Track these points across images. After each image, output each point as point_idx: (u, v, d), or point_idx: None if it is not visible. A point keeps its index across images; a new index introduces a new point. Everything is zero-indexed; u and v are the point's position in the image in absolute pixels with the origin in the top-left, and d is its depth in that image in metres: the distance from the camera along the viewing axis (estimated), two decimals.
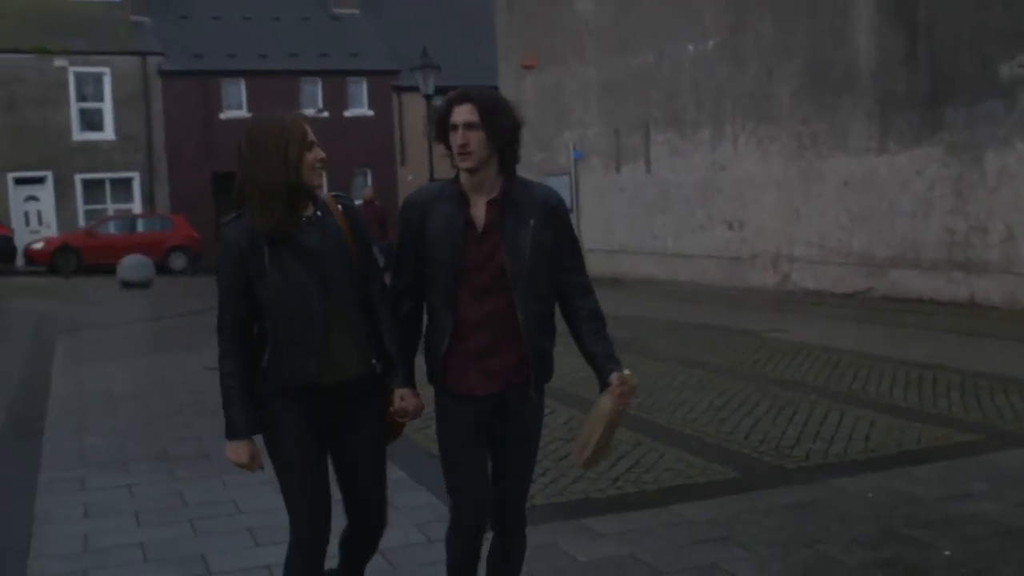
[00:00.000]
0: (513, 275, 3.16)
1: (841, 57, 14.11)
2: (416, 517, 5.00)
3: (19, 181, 31.15)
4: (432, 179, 20.92)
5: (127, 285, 21.19)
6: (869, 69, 13.72)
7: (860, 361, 8.98)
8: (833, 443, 6.24)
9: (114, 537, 5.02)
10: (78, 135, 31.86)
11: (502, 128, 3.16)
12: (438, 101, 3.25)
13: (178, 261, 28.18)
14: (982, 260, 12.41)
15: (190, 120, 32.56)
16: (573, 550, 4.46)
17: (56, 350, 12.10)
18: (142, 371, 10.44)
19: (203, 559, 4.66)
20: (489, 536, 3.37)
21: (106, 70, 32.00)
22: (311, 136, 3.14)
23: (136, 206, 32.53)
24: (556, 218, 3.26)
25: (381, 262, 4.31)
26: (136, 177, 32.67)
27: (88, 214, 31.64)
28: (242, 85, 33.35)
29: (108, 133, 32.23)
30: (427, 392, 3.34)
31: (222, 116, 33.00)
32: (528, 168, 19.65)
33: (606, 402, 3.14)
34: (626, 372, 3.15)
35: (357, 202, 3.17)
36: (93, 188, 32.23)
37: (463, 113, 3.15)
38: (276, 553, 4.47)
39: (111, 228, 29.04)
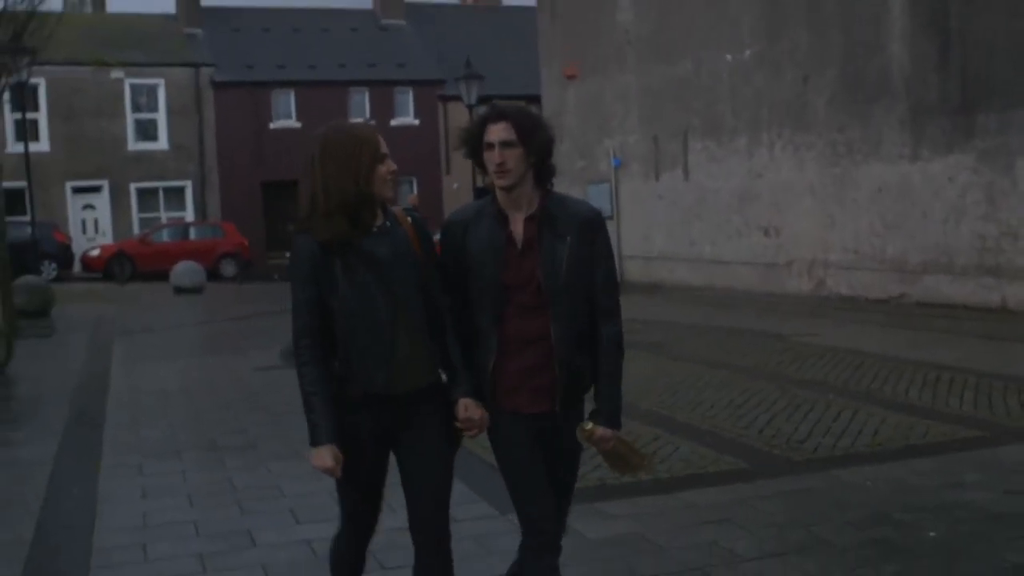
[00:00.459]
0: (549, 291, 3.17)
1: (875, 65, 14.32)
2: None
3: (76, 190, 32.09)
4: (475, 187, 21.40)
5: (180, 291, 21.85)
6: (903, 77, 13.91)
7: (883, 363, 9.18)
8: (842, 438, 6.53)
9: (170, 515, 5.51)
10: (133, 145, 32.70)
11: (539, 145, 3.17)
12: (481, 110, 3.31)
13: (228, 268, 28.73)
14: (1013, 266, 12.54)
15: (241, 130, 33.25)
16: (584, 529, 4.83)
17: (113, 351, 12.71)
18: (194, 371, 11.00)
19: (249, 534, 5.12)
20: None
21: (160, 81, 32.79)
22: (384, 148, 3.13)
23: (188, 214, 33.27)
24: (593, 233, 3.25)
25: None
26: (188, 186, 33.44)
27: (142, 222, 32.43)
28: (292, 95, 34.04)
29: (162, 143, 33.03)
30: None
31: (272, 126, 33.76)
32: (569, 176, 20.24)
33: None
34: (587, 427, 3.25)
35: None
36: (147, 197, 33.05)
37: (499, 131, 3.14)
38: (316, 530, 4.94)
39: (164, 236, 29.67)
